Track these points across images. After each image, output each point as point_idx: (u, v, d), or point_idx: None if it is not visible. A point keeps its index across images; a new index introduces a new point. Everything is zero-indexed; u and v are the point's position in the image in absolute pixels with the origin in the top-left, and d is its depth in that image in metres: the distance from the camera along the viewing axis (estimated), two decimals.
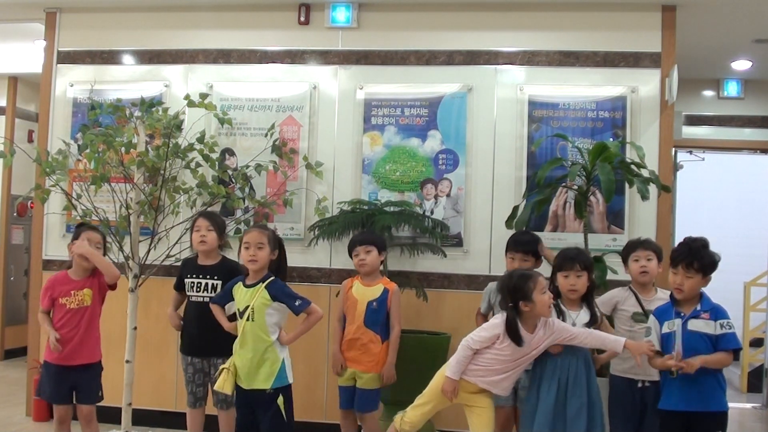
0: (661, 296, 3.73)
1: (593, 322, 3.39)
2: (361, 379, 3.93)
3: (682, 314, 3.21)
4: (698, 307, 3.19)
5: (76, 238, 3.85)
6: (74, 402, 3.82)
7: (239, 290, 3.54)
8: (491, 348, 3.25)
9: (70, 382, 3.77)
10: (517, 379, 3.63)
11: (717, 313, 3.17)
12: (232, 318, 3.62)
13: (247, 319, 3.44)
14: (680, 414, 3.16)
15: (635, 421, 3.63)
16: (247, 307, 3.45)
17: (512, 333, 3.20)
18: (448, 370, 3.31)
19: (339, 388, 4.03)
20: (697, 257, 3.16)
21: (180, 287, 4.07)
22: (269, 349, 3.45)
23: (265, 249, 3.50)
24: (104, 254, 3.90)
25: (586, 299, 3.43)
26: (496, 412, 3.76)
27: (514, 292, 3.21)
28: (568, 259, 3.43)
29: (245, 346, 3.45)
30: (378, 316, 3.89)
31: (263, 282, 3.48)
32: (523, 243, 3.96)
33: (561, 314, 3.40)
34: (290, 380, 3.51)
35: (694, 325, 3.16)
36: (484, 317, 4.04)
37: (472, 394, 3.32)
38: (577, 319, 3.39)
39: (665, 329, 3.25)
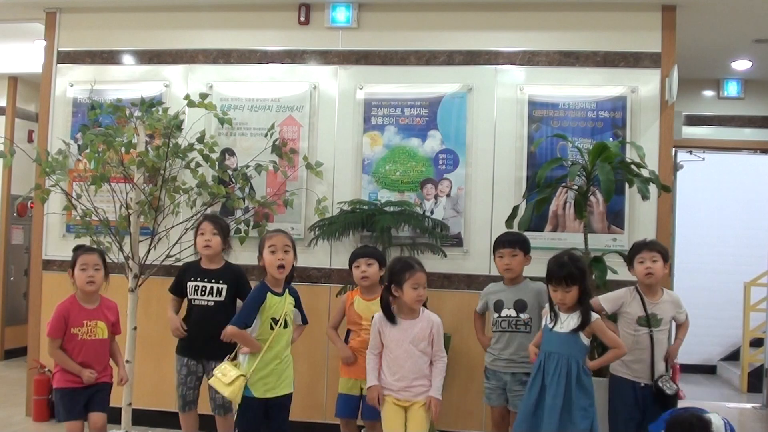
0: (667, 298, 3.75)
1: (580, 329, 3.34)
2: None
3: None
4: None
5: (74, 262, 3.72)
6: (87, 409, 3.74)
7: (270, 300, 3.50)
8: (384, 348, 3.51)
9: (84, 398, 3.68)
10: (505, 381, 3.83)
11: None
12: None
13: (282, 326, 3.49)
14: None
15: (637, 420, 3.64)
16: (282, 315, 3.50)
17: (385, 309, 3.50)
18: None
19: (339, 397, 3.98)
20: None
21: (177, 291, 4.07)
22: (290, 354, 3.57)
23: (291, 253, 3.52)
24: (105, 271, 3.75)
25: (582, 304, 3.37)
26: (490, 410, 3.84)
27: (391, 276, 3.50)
28: (555, 274, 3.36)
29: (279, 353, 3.48)
30: None
31: (287, 288, 3.59)
32: (510, 239, 3.98)
33: (555, 317, 3.41)
34: None
35: None
36: (481, 316, 4.05)
37: (411, 401, 3.49)
38: (565, 323, 3.38)
39: None
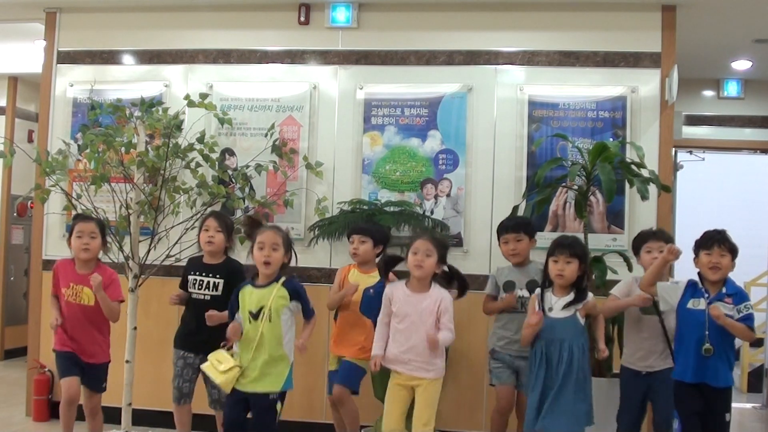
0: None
1: (574, 303, 3.41)
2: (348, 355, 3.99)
3: (708, 295, 3.38)
4: (723, 290, 3.39)
5: (71, 229, 3.88)
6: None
7: (247, 292, 3.46)
8: (392, 319, 3.56)
9: (80, 363, 3.83)
10: (517, 366, 3.82)
11: (740, 297, 3.39)
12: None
13: (262, 320, 3.36)
14: (692, 385, 3.35)
15: (639, 408, 3.71)
16: (261, 308, 3.38)
17: (386, 265, 3.71)
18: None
19: (329, 374, 4.06)
20: (727, 239, 3.42)
21: (183, 285, 4.09)
22: (282, 352, 3.43)
23: (280, 250, 3.44)
24: (103, 242, 3.90)
25: (578, 286, 3.44)
26: (497, 390, 3.90)
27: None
28: (559, 246, 3.47)
29: (260, 348, 3.36)
30: (374, 303, 3.87)
31: (277, 281, 3.44)
32: (514, 223, 3.99)
33: (541, 300, 3.47)
34: (292, 385, 3.49)
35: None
36: (493, 298, 4.03)
37: (416, 378, 3.48)
38: (558, 304, 3.42)
39: (690, 305, 3.40)
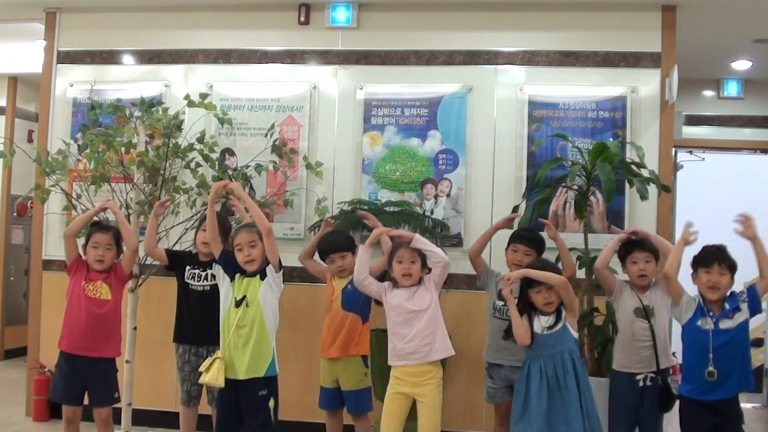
0: (655, 288, 3.70)
1: (557, 322, 3.39)
2: (344, 380, 3.90)
3: (713, 314, 3.34)
4: (726, 307, 3.35)
5: (88, 237, 3.85)
6: (89, 404, 3.80)
7: (237, 280, 3.55)
8: (386, 306, 3.58)
9: (82, 382, 3.75)
10: (512, 379, 3.75)
11: (738, 297, 3.39)
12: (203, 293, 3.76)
13: (246, 306, 3.48)
14: (702, 403, 3.32)
15: (633, 418, 3.63)
16: (244, 297, 3.50)
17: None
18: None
19: (320, 390, 4.01)
20: (727, 256, 3.37)
21: (174, 264, 4.08)
22: (264, 337, 3.50)
23: (258, 246, 3.54)
24: (118, 251, 3.88)
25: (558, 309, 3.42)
26: (494, 409, 3.82)
27: (388, 255, 3.65)
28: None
29: (243, 335, 3.46)
30: (354, 297, 3.86)
31: (261, 273, 3.55)
32: (529, 236, 3.93)
33: (530, 319, 3.43)
34: (277, 370, 3.55)
35: (726, 324, 3.33)
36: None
37: (418, 386, 3.46)
38: (545, 320, 3.40)
39: (699, 323, 3.35)
